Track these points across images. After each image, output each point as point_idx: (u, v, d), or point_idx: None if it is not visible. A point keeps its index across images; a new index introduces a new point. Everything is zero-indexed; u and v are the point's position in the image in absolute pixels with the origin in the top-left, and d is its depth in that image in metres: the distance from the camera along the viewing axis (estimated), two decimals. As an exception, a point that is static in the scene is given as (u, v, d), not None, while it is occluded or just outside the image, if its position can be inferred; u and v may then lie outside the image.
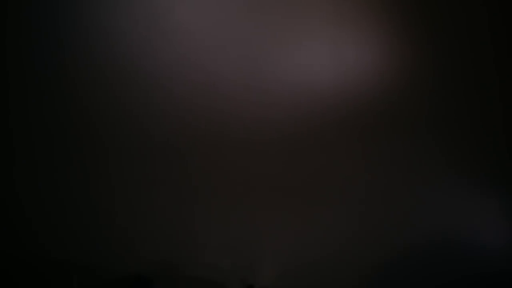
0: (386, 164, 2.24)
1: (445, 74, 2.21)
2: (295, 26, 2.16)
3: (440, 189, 2.27)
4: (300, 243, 2.30)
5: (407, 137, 2.23)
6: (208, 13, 2.09)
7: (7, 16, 2.03)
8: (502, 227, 2.26)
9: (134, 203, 2.22)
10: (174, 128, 2.20)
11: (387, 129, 2.21)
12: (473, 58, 2.18)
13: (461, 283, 2.26)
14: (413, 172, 2.25)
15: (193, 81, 2.16)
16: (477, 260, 2.27)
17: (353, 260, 2.33)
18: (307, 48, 2.18)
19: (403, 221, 2.28)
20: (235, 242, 2.26)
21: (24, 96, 2.12)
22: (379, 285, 2.29)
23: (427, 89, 2.22)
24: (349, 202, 2.27)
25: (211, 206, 2.27)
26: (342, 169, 2.25)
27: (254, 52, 2.17)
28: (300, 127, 2.22)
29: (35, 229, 2.18)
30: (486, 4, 2.14)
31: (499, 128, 2.25)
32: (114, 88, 2.14)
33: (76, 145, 2.18)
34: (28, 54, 2.07)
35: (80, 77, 2.11)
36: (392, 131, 2.22)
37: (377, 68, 2.16)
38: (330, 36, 2.17)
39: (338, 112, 2.20)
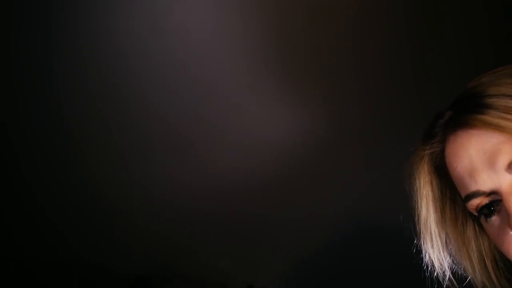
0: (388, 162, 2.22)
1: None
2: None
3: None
4: (300, 242, 2.32)
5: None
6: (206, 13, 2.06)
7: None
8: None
9: (134, 203, 2.23)
10: (173, 128, 2.19)
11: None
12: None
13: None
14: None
15: (192, 81, 2.14)
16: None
17: (353, 259, 2.34)
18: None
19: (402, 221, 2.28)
20: (235, 242, 2.27)
21: (22, 96, 2.10)
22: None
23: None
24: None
25: (211, 205, 2.27)
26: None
27: (254, 51, 2.14)
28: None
29: (35, 229, 2.19)
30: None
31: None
32: (112, 88, 2.12)
33: (75, 144, 2.17)
34: (24, 54, 2.04)
35: (77, 77, 2.09)
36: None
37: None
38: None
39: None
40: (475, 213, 0.69)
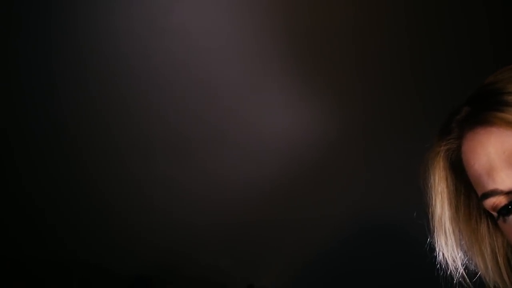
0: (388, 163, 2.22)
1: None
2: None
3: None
4: (301, 242, 2.32)
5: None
6: (206, 13, 2.06)
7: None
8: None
9: (135, 203, 2.22)
10: (173, 128, 2.19)
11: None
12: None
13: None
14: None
15: (192, 81, 2.13)
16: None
17: (355, 259, 2.35)
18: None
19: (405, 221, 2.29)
20: (235, 242, 2.27)
21: (22, 96, 2.09)
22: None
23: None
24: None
25: (211, 205, 2.27)
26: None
27: (254, 52, 2.14)
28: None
29: (35, 230, 2.18)
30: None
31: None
32: (112, 88, 2.11)
33: (75, 144, 2.17)
34: (24, 54, 2.03)
35: (77, 77, 2.08)
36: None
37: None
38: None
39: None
40: (492, 212, 0.68)
